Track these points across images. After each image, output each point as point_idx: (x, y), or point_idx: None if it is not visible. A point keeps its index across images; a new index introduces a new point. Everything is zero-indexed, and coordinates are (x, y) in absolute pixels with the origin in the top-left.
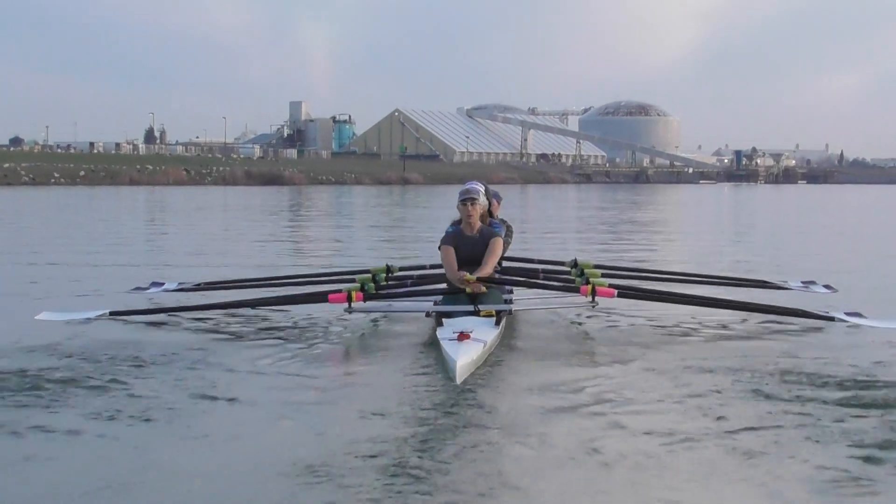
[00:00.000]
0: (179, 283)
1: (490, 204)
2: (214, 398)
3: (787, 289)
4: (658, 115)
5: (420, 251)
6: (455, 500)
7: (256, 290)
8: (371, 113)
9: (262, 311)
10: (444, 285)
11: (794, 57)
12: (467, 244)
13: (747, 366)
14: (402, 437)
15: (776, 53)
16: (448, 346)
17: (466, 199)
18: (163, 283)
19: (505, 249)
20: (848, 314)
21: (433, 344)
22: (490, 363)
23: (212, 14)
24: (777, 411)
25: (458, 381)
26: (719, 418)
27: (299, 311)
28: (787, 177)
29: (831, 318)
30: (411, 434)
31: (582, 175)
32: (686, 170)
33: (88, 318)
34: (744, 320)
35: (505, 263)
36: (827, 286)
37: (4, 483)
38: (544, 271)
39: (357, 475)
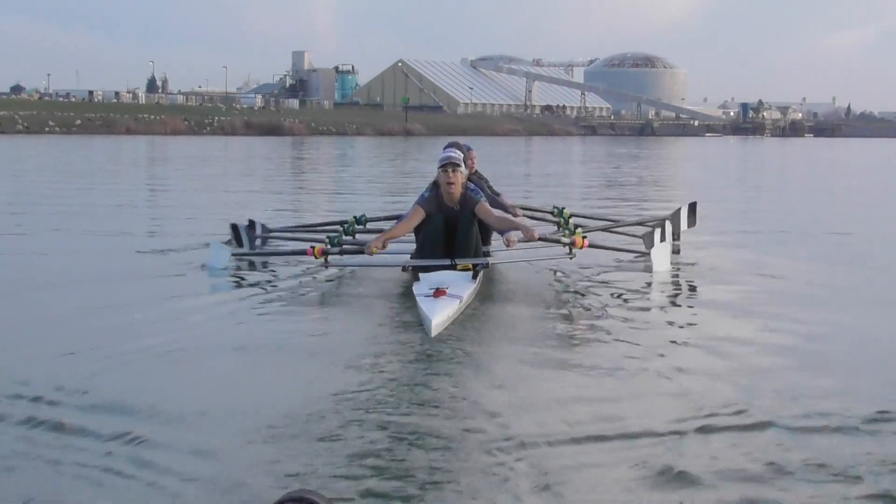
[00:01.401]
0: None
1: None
2: (185, 350)
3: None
4: (664, 67)
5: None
6: (432, 454)
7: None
8: (375, 63)
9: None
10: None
11: (803, 10)
12: (450, 217)
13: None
14: (375, 389)
15: (785, 6)
16: (424, 303)
17: (447, 165)
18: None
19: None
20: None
21: (410, 298)
22: (465, 317)
23: None
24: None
25: (433, 335)
26: (688, 367)
27: (279, 262)
28: (793, 130)
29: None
30: (385, 388)
31: (587, 127)
32: (692, 122)
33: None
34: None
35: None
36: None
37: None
38: (529, 217)
39: (332, 429)
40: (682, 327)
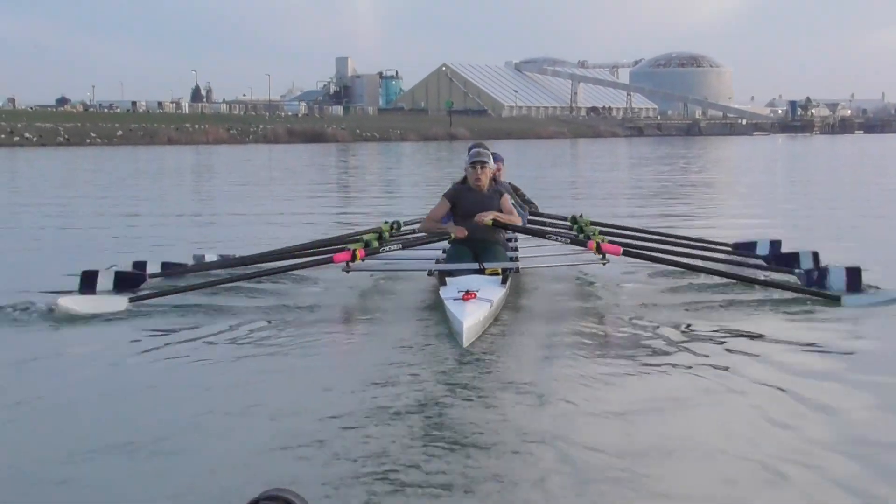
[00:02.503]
0: (194, 257)
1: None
2: (216, 364)
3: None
4: (710, 66)
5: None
6: (465, 469)
7: (277, 260)
8: (419, 68)
9: (262, 282)
10: (446, 241)
11: (849, 5)
12: (473, 198)
13: (755, 333)
14: (408, 406)
15: (828, 4)
16: (453, 307)
17: (476, 162)
18: (182, 263)
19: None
20: (850, 294)
21: (437, 304)
22: (497, 324)
23: None
24: (781, 374)
25: (465, 343)
26: (731, 378)
27: (308, 274)
28: (843, 127)
29: (837, 298)
30: (418, 403)
31: (633, 128)
32: (739, 121)
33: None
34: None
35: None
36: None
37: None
38: (545, 224)
39: (363, 444)
40: (731, 350)
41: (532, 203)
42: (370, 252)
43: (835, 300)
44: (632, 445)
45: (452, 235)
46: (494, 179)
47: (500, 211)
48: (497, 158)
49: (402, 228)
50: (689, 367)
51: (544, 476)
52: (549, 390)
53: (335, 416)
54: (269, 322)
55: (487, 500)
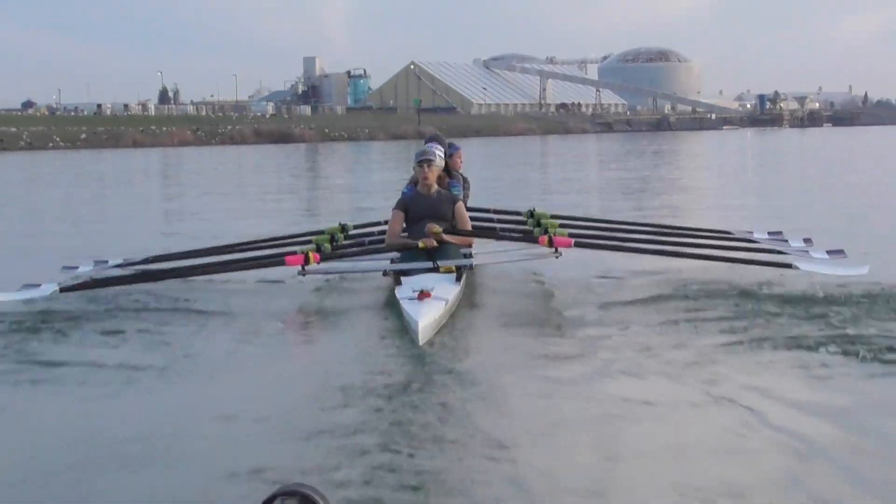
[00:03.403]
0: (124, 259)
1: (448, 159)
2: (169, 369)
3: (753, 241)
4: (678, 60)
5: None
6: (421, 466)
7: (221, 255)
8: (387, 66)
9: (216, 279)
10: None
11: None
12: (424, 204)
13: (709, 317)
14: (365, 404)
15: None
16: (408, 306)
17: (423, 161)
18: (106, 261)
19: (465, 203)
20: (799, 257)
21: (392, 303)
22: (453, 321)
23: None
24: (739, 362)
25: (421, 342)
26: (682, 371)
27: (254, 276)
28: (812, 120)
29: (787, 265)
30: (375, 401)
31: (603, 124)
32: (709, 116)
33: (35, 298)
34: (704, 269)
35: None
36: (806, 240)
37: None
38: (500, 221)
39: (318, 446)
40: (668, 335)
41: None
42: (325, 256)
43: (787, 266)
44: (585, 443)
45: (420, 245)
46: (449, 170)
47: (453, 217)
48: (455, 148)
49: (352, 231)
50: (641, 362)
51: (497, 473)
52: (502, 387)
53: (290, 416)
54: (221, 322)
55: (441, 496)
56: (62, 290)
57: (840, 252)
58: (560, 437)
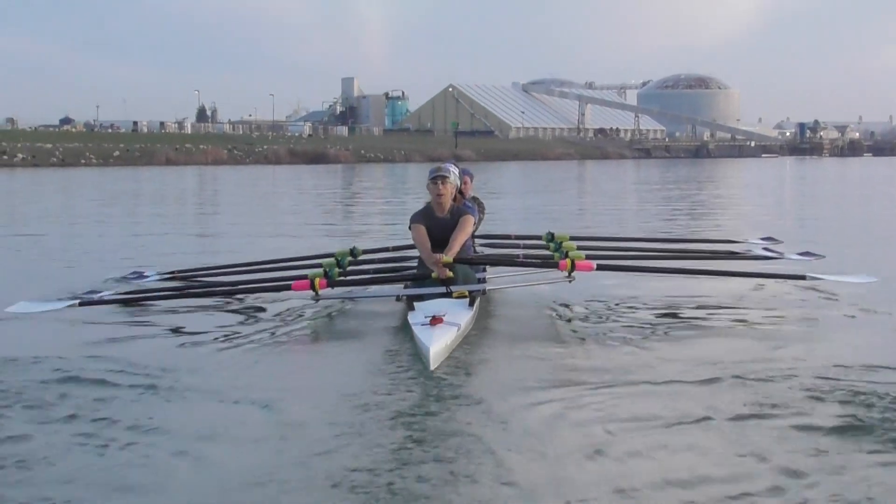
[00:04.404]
0: (158, 273)
1: (462, 183)
2: (175, 390)
3: (760, 252)
4: (718, 87)
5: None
6: (431, 493)
7: (230, 275)
8: (425, 88)
9: (232, 298)
10: (413, 269)
11: (854, 29)
12: (438, 225)
13: (731, 344)
14: (374, 427)
15: (836, 25)
16: (420, 332)
17: (437, 177)
18: (143, 273)
19: (477, 227)
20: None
21: (405, 329)
22: (464, 347)
23: None
24: (762, 391)
25: (432, 367)
26: (705, 400)
27: (269, 297)
28: (852, 150)
29: (802, 277)
30: (385, 425)
31: (641, 150)
32: (748, 143)
33: (58, 309)
34: (723, 289)
35: (479, 241)
36: (807, 253)
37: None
38: (519, 246)
39: (329, 470)
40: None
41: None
42: (331, 283)
43: (800, 277)
44: (600, 468)
45: (434, 275)
46: (461, 193)
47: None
48: (466, 173)
49: (361, 256)
50: (658, 388)
51: (503, 497)
52: (510, 412)
53: (303, 438)
54: (232, 341)
55: None
56: (81, 304)
57: (820, 255)
58: (566, 463)
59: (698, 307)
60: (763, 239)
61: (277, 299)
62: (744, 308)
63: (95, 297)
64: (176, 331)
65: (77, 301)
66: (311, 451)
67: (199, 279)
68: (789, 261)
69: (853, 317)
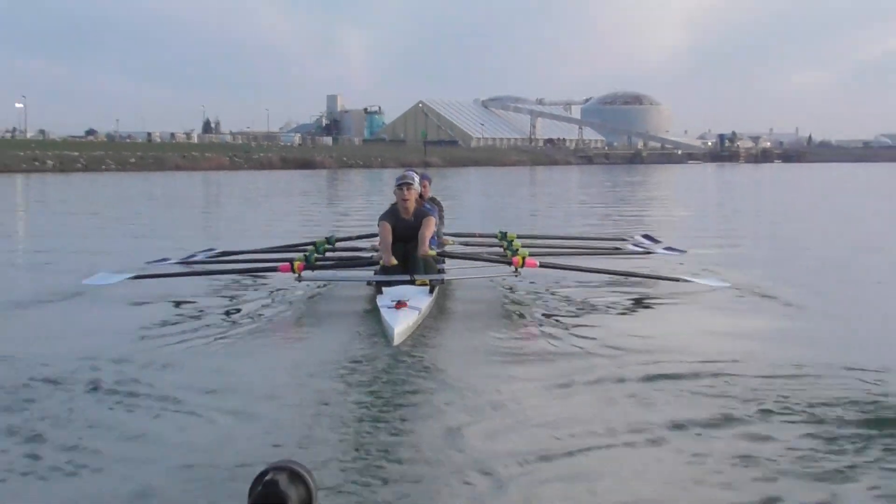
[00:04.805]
0: (181, 258)
1: (421, 186)
2: (164, 366)
3: (646, 251)
4: (650, 103)
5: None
6: (390, 444)
7: (233, 261)
8: (399, 104)
9: (229, 279)
10: (380, 256)
11: (766, 54)
12: (403, 225)
13: (650, 329)
14: (344, 392)
15: (750, 51)
16: (386, 314)
17: (403, 184)
18: (167, 259)
19: (439, 225)
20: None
21: (374, 310)
22: (424, 327)
23: (263, 22)
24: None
25: (395, 343)
26: (618, 371)
27: (261, 281)
28: (764, 157)
29: (686, 280)
30: (352, 389)
31: (584, 157)
32: (676, 152)
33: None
34: (632, 283)
35: (446, 236)
36: (671, 248)
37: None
38: (476, 243)
39: (305, 427)
40: (622, 332)
41: (442, 225)
42: (308, 266)
43: (684, 281)
44: (533, 422)
45: (381, 263)
46: (421, 195)
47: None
48: (425, 177)
49: (337, 244)
50: (594, 367)
51: (449, 450)
52: (460, 377)
53: (281, 402)
54: (223, 318)
55: (406, 470)
56: (134, 277)
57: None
58: (509, 417)
59: (603, 296)
60: (643, 236)
61: (270, 278)
62: (621, 296)
63: (146, 272)
64: (180, 304)
65: (132, 275)
66: (289, 412)
67: (210, 263)
68: (658, 255)
69: (707, 311)
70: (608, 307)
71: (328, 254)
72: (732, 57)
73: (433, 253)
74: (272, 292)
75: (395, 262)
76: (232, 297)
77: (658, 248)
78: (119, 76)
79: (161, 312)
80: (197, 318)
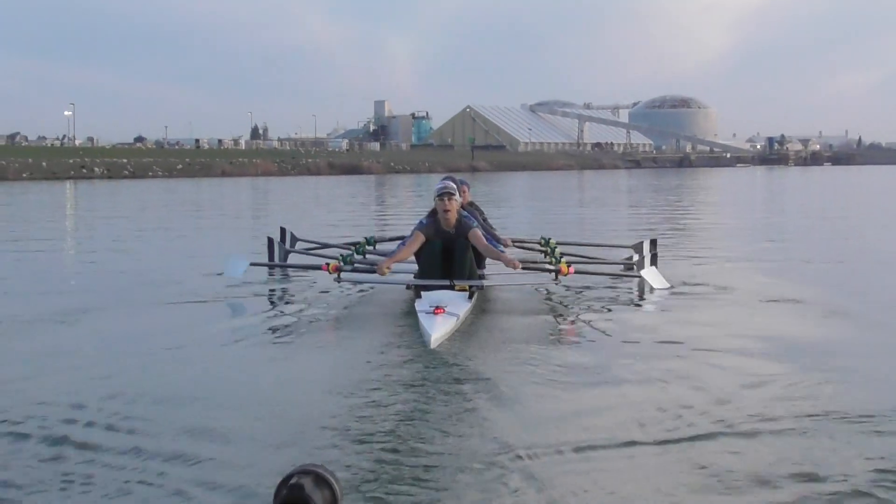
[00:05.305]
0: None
1: (461, 193)
2: (199, 367)
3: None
4: (698, 107)
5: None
6: (423, 450)
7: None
8: (446, 109)
9: (280, 273)
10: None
11: (814, 56)
12: (445, 237)
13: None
14: (378, 396)
15: (798, 53)
16: (424, 319)
17: (444, 195)
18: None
19: (488, 227)
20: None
21: (412, 314)
22: (461, 331)
23: (310, 28)
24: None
25: (432, 347)
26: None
27: (309, 280)
28: (814, 160)
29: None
30: (387, 393)
31: (632, 161)
32: (724, 155)
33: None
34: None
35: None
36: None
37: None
38: (519, 247)
39: (336, 430)
40: (661, 340)
41: (492, 227)
42: (341, 269)
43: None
44: (567, 425)
45: (375, 271)
46: (465, 204)
47: (474, 247)
48: (463, 183)
49: (377, 245)
50: (630, 367)
51: (487, 456)
52: (496, 384)
53: (315, 403)
54: (271, 318)
55: (438, 477)
56: (251, 264)
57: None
58: (546, 427)
59: (633, 299)
60: (650, 242)
61: (320, 287)
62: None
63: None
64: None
65: (249, 264)
66: (322, 413)
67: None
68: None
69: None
70: (637, 308)
71: (368, 255)
72: (780, 59)
73: (508, 256)
74: (316, 293)
75: (387, 271)
76: (275, 294)
77: (647, 274)
78: (167, 83)
79: (201, 311)
80: (239, 316)
